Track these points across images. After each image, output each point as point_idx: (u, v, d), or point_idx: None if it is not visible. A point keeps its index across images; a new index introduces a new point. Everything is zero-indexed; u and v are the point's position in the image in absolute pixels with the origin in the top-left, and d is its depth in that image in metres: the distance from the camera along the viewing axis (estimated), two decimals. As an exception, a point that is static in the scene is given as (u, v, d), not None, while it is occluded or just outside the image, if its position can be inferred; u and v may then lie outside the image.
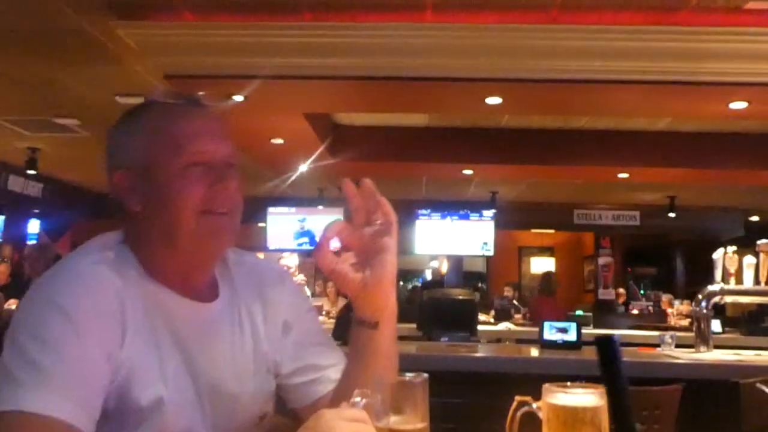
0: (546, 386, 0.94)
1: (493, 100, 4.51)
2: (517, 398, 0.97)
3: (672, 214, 9.32)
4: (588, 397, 0.90)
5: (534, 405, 0.95)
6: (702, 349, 3.48)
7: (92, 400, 0.88)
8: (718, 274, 3.65)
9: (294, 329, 1.15)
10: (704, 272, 3.83)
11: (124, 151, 1.03)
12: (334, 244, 0.99)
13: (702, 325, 3.59)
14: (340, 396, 1.06)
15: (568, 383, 0.94)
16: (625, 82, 4.01)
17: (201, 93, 1.09)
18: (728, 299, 3.71)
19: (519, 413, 0.96)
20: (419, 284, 11.01)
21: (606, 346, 0.38)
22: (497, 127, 6.38)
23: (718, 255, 3.67)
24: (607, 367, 0.39)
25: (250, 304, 1.12)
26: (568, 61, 3.88)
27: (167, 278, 1.02)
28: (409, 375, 0.96)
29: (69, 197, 9.99)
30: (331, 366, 1.14)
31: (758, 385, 1.76)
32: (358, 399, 0.97)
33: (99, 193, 10.60)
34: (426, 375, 0.98)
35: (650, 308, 10.18)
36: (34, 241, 9.11)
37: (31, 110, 5.96)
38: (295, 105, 4.76)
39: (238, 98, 4.28)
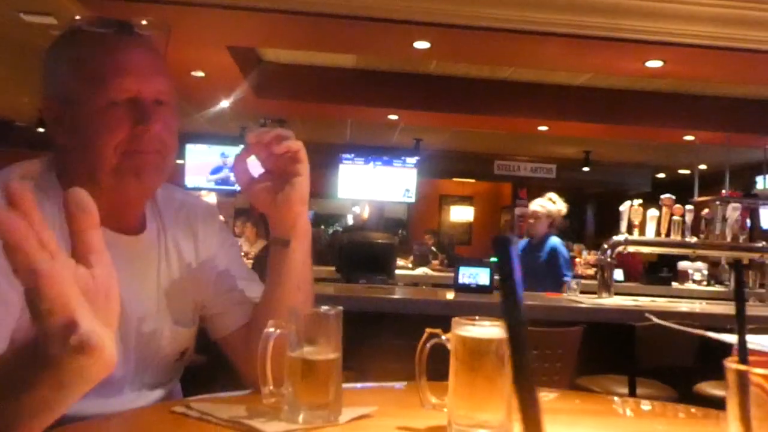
0: (455, 319, 0.97)
1: (421, 45, 4.48)
2: (428, 330, 1.00)
3: (586, 168, 9.72)
4: (493, 330, 0.94)
5: (443, 337, 0.98)
6: (604, 295, 3.70)
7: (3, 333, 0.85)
8: (623, 225, 3.86)
9: (220, 262, 1.16)
10: (612, 224, 4.05)
11: (50, 80, 0.99)
12: (254, 166, 1.04)
13: (605, 273, 3.81)
14: (256, 316, 1.10)
15: (477, 317, 0.97)
16: (548, 33, 4.07)
17: (135, 20, 1.01)
18: (631, 249, 3.94)
19: (429, 344, 0.99)
20: (340, 229, 11.05)
21: (502, 244, 0.39)
22: (425, 73, 6.36)
23: (624, 207, 3.86)
24: (502, 264, 0.41)
25: (179, 238, 1.12)
26: (495, 8, 3.88)
27: None
28: (324, 307, 0.98)
29: (-33, 122, 9.30)
30: (255, 298, 1.15)
31: (649, 316, 1.90)
32: (272, 329, 0.97)
33: (2, 119, 9.93)
34: (340, 308, 1.00)
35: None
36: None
37: None
38: (219, 36, 4.55)
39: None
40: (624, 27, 3.94)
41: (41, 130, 9.12)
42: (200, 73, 5.53)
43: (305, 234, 1.09)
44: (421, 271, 6.61)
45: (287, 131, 1.03)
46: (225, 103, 6.20)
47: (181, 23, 4.03)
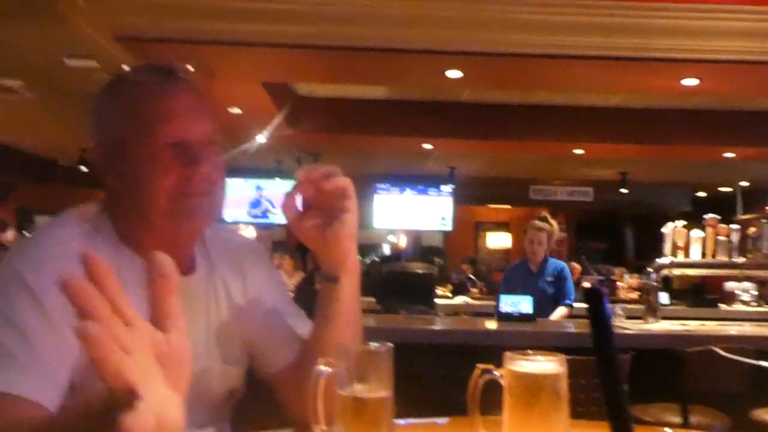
0: (507, 354, 0.95)
1: (454, 74, 4.50)
2: (479, 366, 0.98)
3: (624, 190, 9.56)
4: (549, 365, 0.91)
5: (496, 373, 0.96)
6: (650, 320, 3.60)
7: (58, 377, 0.86)
8: (667, 247, 3.77)
9: (268, 299, 1.16)
10: (653, 246, 3.96)
11: (99, 127, 1.01)
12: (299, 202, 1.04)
13: (651, 297, 3.71)
14: (305, 353, 1.09)
15: (529, 351, 0.95)
16: (580, 57, 4.05)
17: (177, 64, 1.04)
18: (676, 272, 3.85)
19: (481, 381, 0.97)
20: (377, 259, 11.05)
21: (594, 296, 0.39)
22: (457, 101, 6.38)
23: (667, 229, 3.77)
24: (595, 317, 0.40)
25: (227, 277, 1.13)
26: (527, 35, 3.89)
27: (144, 251, 1.01)
28: (374, 344, 0.96)
29: (13, 161, 9.63)
30: (304, 335, 1.15)
31: (715, 349, 1.83)
32: (322, 367, 0.96)
33: (44, 158, 10.26)
34: (391, 344, 0.99)
35: (601, 282, 10.46)
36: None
37: (-30, 70, 5.68)
38: (254, 73, 4.66)
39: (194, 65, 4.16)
40: (657, 46, 3.90)
41: (83, 168, 9.40)
42: (237, 110, 5.65)
43: (354, 270, 1.09)
44: (461, 300, 6.55)
45: (335, 168, 1.03)
46: (261, 138, 6.31)
47: (218, 62, 4.14)
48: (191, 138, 0.99)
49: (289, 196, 1.02)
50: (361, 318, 1.13)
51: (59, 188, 10.66)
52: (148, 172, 0.96)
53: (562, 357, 0.93)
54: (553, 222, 4.42)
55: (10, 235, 6.07)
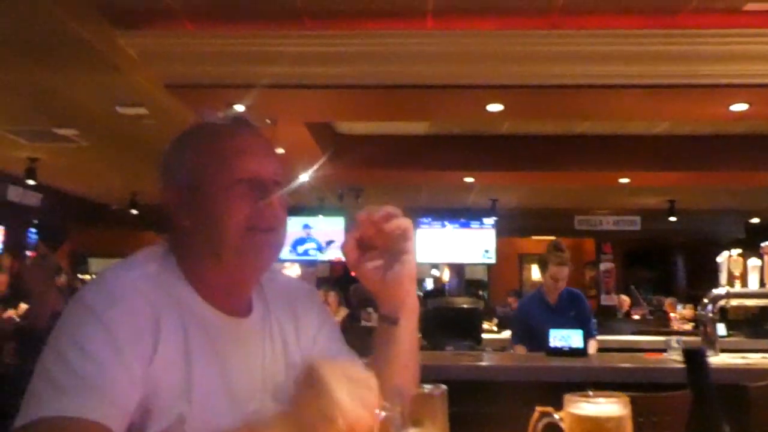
0: (568, 396, 0.92)
1: (495, 107, 4.50)
2: (538, 409, 0.95)
3: (672, 218, 9.32)
4: (611, 407, 0.89)
5: (556, 416, 0.93)
6: (709, 353, 3.46)
7: (127, 409, 0.90)
8: (723, 277, 3.64)
9: (320, 342, 1.18)
10: (706, 275, 3.82)
11: (174, 170, 1.06)
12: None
13: (708, 329, 3.57)
14: None
15: (590, 392, 0.92)
16: (624, 86, 4.01)
17: (247, 114, 1.13)
18: (734, 302, 3.70)
19: (540, 424, 0.94)
20: (421, 293, 10.98)
21: (695, 357, 0.38)
22: (497, 133, 6.37)
23: (722, 258, 3.65)
24: (696, 377, 0.39)
25: (282, 319, 1.15)
26: (569, 66, 3.87)
27: (209, 292, 1.04)
28: (427, 387, 0.95)
29: (67, 206, 9.98)
30: None
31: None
32: (377, 411, 0.95)
33: (95, 202, 10.60)
34: (444, 387, 0.97)
35: (651, 313, 10.16)
36: (33, 252, 9.07)
37: (31, 120, 5.95)
38: (297, 114, 4.75)
39: (239, 107, 4.27)
40: (705, 72, 3.84)
41: (133, 212, 9.68)
42: (280, 150, 5.75)
43: (414, 311, 1.09)
44: (508, 334, 6.42)
45: (395, 208, 1.05)
46: (304, 177, 6.40)
47: (262, 103, 4.23)
48: (263, 174, 1.03)
49: (349, 237, 1.04)
50: (418, 360, 1.13)
51: (110, 231, 11.01)
52: (223, 205, 1.00)
53: (625, 398, 0.90)
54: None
55: (63, 279, 6.25)
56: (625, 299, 10.47)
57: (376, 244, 1.05)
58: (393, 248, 1.04)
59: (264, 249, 1.04)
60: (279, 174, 1.06)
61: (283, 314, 1.15)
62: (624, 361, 3.32)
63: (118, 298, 0.94)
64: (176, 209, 1.04)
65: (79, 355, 0.88)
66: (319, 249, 9.11)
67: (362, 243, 1.05)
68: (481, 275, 12.35)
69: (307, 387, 0.85)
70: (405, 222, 1.04)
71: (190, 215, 1.03)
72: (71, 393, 0.85)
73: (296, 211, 8.88)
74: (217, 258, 1.02)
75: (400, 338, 1.08)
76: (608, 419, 0.87)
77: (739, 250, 3.69)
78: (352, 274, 1.09)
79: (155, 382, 0.93)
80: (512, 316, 4.66)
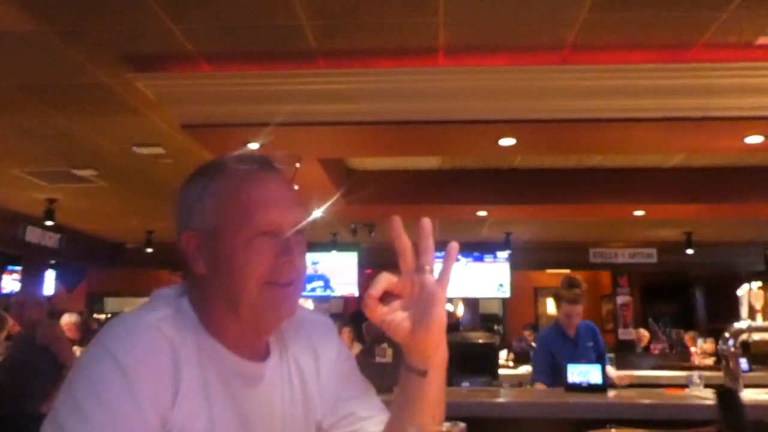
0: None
1: (507, 141, 4.52)
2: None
3: (690, 251, 9.22)
4: (636, 446, 0.87)
5: (580, 454, 0.91)
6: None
7: None
8: (743, 310, 3.59)
9: (336, 380, 1.14)
10: (725, 308, 3.76)
11: (192, 213, 1.01)
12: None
13: (731, 365, 3.49)
14: None
15: (613, 428, 0.90)
16: (637, 120, 4.01)
17: (272, 155, 1.07)
18: (756, 336, 3.63)
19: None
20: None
21: (728, 397, 0.36)
22: (510, 167, 6.39)
23: (742, 291, 3.61)
24: (729, 416, 0.37)
25: (300, 358, 1.11)
26: (581, 100, 3.89)
27: (225, 338, 1.01)
28: (446, 424, 0.93)
29: (85, 247, 10.07)
30: (370, 417, 1.12)
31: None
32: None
33: (115, 242, 10.69)
34: (463, 425, 0.95)
35: (671, 347, 9.97)
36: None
37: (49, 162, 6.05)
38: (310, 151, 4.79)
39: (254, 146, 4.32)
40: (717, 106, 3.84)
41: (148, 250, 9.75)
42: (294, 186, 5.79)
43: (444, 362, 1.02)
44: (525, 369, 6.33)
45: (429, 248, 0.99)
46: (317, 213, 6.43)
47: (276, 141, 4.28)
48: (286, 227, 0.99)
49: (371, 297, 0.96)
50: (445, 403, 1.06)
51: (125, 270, 11.07)
52: (243, 259, 0.96)
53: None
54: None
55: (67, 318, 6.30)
56: (644, 333, 10.30)
57: (402, 295, 0.98)
58: (421, 295, 0.97)
59: (283, 303, 0.99)
60: (301, 224, 1.02)
61: (302, 351, 1.12)
62: (644, 397, 3.25)
63: (139, 341, 0.91)
64: (192, 255, 1.00)
65: (92, 401, 0.85)
66: (327, 287, 9.10)
67: (386, 294, 0.98)
68: (496, 309, 12.24)
69: None
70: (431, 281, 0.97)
71: (206, 264, 0.99)
72: None
73: (309, 247, 8.90)
74: (233, 310, 0.98)
75: (429, 391, 1.01)
76: (634, 458, 0.85)
77: (759, 283, 3.64)
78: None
79: (180, 428, 0.90)
80: (533, 351, 4.57)
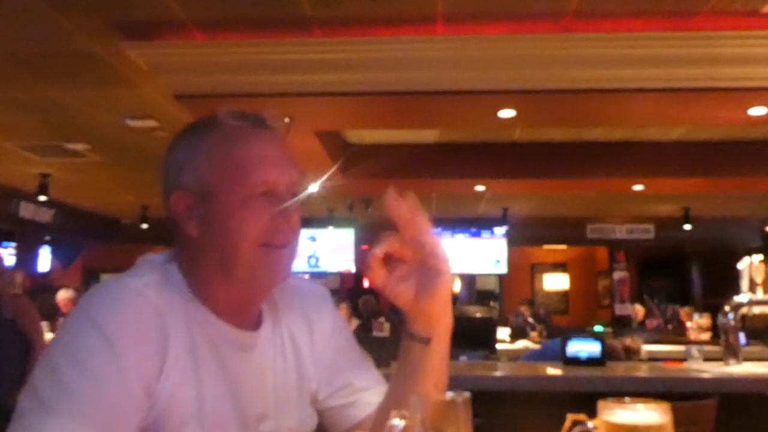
0: (602, 402, 0.86)
1: (507, 113, 4.45)
2: (570, 416, 0.89)
3: (687, 226, 9.21)
4: (651, 414, 0.82)
5: (589, 424, 0.87)
6: (731, 362, 3.36)
7: (125, 428, 0.82)
8: (744, 284, 3.56)
9: (331, 349, 1.10)
10: (722, 283, 3.74)
11: (182, 172, 0.96)
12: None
13: (730, 338, 3.48)
14: (384, 413, 1.00)
15: (626, 398, 0.86)
16: (641, 90, 3.94)
17: (265, 113, 1.01)
18: (756, 309, 3.61)
19: (573, 433, 0.88)
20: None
21: None
22: (509, 141, 6.32)
23: (743, 265, 3.58)
24: None
25: (294, 328, 1.07)
26: (583, 70, 3.82)
27: (216, 305, 0.96)
28: (449, 393, 0.90)
29: (80, 223, 10.00)
30: (368, 388, 1.09)
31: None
32: (396, 421, 0.89)
33: (110, 218, 10.62)
34: (468, 393, 0.91)
35: (666, 323, 10.01)
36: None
37: (41, 135, 5.97)
38: (306, 123, 4.71)
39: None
40: (722, 76, 3.77)
41: (144, 226, 9.69)
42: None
43: (448, 329, 1.00)
44: (522, 344, 6.34)
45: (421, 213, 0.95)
46: (314, 187, 6.37)
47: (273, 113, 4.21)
48: (282, 186, 0.95)
49: (374, 255, 0.93)
50: (447, 372, 1.04)
51: (121, 246, 11.02)
52: (237, 220, 0.92)
53: (666, 405, 0.83)
54: None
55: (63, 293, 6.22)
56: (640, 309, 10.34)
57: (406, 258, 0.95)
58: (425, 263, 0.94)
59: (278, 265, 0.95)
60: (297, 184, 0.98)
61: (296, 321, 1.08)
62: (643, 371, 3.24)
63: (123, 306, 0.86)
64: (182, 217, 0.95)
65: (74, 370, 0.80)
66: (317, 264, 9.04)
67: (388, 258, 0.94)
68: (493, 286, 12.25)
69: None
70: (434, 236, 0.94)
71: (198, 225, 0.94)
72: (60, 414, 0.77)
73: (306, 223, 8.85)
74: (227, 273, 0.93)
75: (431, 359, 0.99)
76: (648, 428, 0.81)
77: (761, 256, 3.61)
78: (367, 286, 1.01)
79: (166, 399, 0.86)
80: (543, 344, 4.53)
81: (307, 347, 1.07)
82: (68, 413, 0.77)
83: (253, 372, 0.99)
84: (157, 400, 0.85)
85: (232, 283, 0.94)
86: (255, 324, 1.02)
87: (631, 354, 3.84)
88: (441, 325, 0.99)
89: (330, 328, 1.12)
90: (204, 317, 0.94)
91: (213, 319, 0.95)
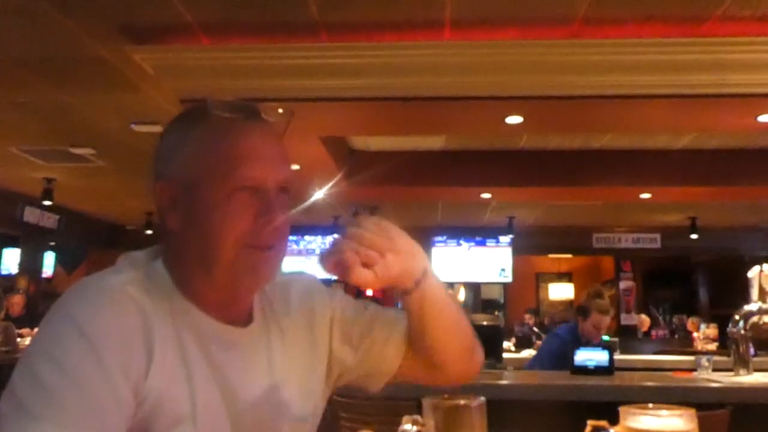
0: (624, 409, 0.83)
1: (514, 119, 4.42)
2: (591, 423, 0.86)
3: (694, 236, 9.15)
4: (675, 420, 0.79)
5: (611, 430, 0.83)
6: (742, 372, 3.32)
7: (110, 429, 0.78)
8: (754, 293, 3.52)
9: (339, 330, 1.09)
10: (729, 294, 3.69)
11: (169, 161, 0.93)
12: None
13: (741, 348, 3.43)
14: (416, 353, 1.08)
15: (650, 405, 0.82)
16: (649, 96, 3.91)
17: (261, 105, 0.97)
18: (766, 318, 3.56)
19: (594, 440, 0.85)
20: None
21: None
22: (515, 149, 6.30)
23: (753, 273, 3.53)
24: None
25: (289, 322, 1.04)
26: (591, 76, 3.79)
27: (201, 300, 0.92)
28: (464, 399, 0.87)
29: (85, 228, 10.00)
30: (391, 327, 1.09)
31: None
32: (408, 426, 0.87)
33: (114, 224, 10.62)
34: (482, 398, 0.89)
35: (672, 333, 9.95)
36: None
37: (47, 140, 5.96)
38: (312, 128, 4.69)
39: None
40: (731, 82, 3.73)
41: (148, 232, 9.68)
42: (295, 166, 5.70)
43: (425, 271, 0.96)
44: (527, 353, 6.29)
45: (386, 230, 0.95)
46: (319, 194, 6.34)
47: (277, 119, 4.19)
48: (269, 183, 0.91)
49: (329, 254, 0.89)
50: (462, 318, 1.05)
51: (126, 253, 11.01)
52: (219, 216, 0.88)
53: (691, 411, 0.80)
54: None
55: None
56: (645, 319, 10.28)
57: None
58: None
59: (261, 268, 0.91)
60: (287, 181, 0.94)
61: (292, 315, 1.05)
62: (652, 380, 3.19)
63: (103, 304, 0.82)
64: (166, 208, 0.92)
65: (54, 373, 0.76)
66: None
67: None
68: (497, 295, 12.19)
69: None
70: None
71: (180, 218, 0.91)
72: (43, 419, 0.73)
73: (309, 230, 8.81)
74: (208, 272, 0.90)
75: (425, 298, 0.97)
76: (672, 434, 0.77)
77: (772, 265, 3.56)
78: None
79: (155, 398, 0.82)
80: (546, 345, 4.45)
81: (308, 338, 1.05)
82: (51, 418, 0.73)
83: (244, 369, 0.95)
84: (145, 400, 0.81)
85: (213, 282, 0.91)
86: (245, 320, 0.98)
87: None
88: (412, 276, 0.95)
89: (330, 311, 1.09)
90: (189, 312, 0.91)
91: (199, 314, 0.92)
